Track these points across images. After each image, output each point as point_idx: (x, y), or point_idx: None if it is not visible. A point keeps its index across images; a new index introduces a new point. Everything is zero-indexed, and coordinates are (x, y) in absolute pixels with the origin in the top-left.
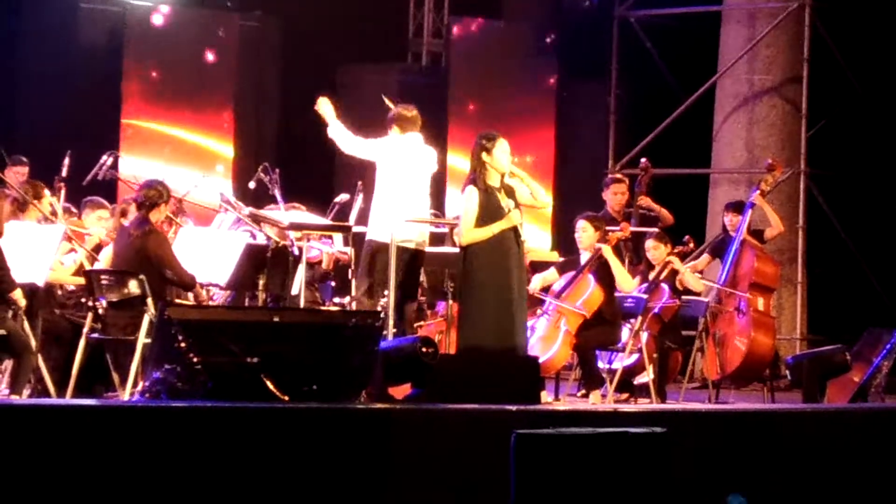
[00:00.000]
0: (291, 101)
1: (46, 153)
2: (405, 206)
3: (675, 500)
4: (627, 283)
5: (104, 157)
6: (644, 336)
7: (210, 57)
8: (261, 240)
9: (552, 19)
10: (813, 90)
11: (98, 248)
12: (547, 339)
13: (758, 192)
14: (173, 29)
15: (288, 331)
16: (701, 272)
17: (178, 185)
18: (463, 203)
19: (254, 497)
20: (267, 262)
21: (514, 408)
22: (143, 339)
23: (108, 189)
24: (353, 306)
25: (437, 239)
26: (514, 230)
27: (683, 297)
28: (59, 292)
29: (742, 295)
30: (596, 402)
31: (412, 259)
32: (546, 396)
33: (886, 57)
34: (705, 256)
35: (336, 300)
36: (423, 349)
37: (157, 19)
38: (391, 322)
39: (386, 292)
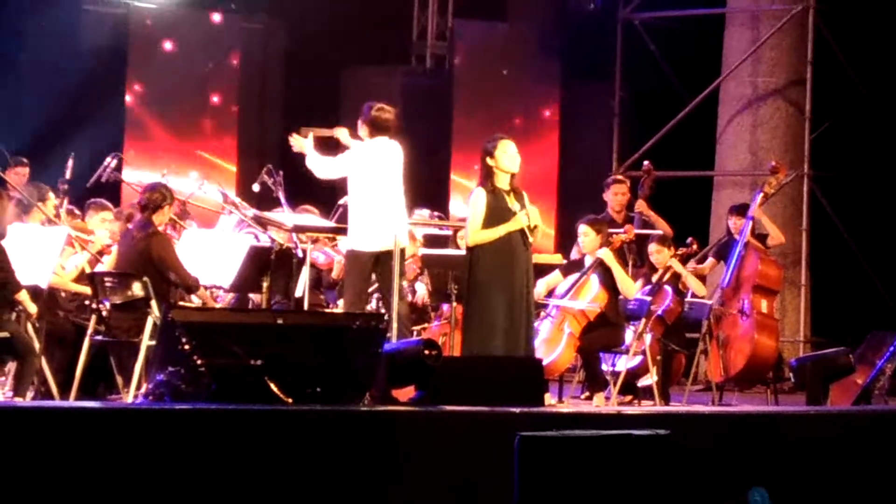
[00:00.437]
0: (295, 104)
1: (49, 155)
2: (380, 211)
3: (679, 502)
4: (629, 289)
5: (108, 159)
6: (647, 338)
7: (214, 60)
8: (264, 241)
9: (556, 22)
10: (817, 93)
11: (101, 254)
12: (550, 341)
13: (758, 202)
14: (177, 31)
15: (292, 333)
16: (704, 277)
17: (181, 188)
18: (470, 204)
19: (257, 499)
20: (271, 265)
21: (517, 410)
22: (146, 341)
23: (111, 191)
24: None
25: (440, 241)
26: (522, 232)
27: (687, 300)
28: (63, 294)
29: (745, 297)
30: (599, 404)
31: (388, 261)
32: (550, 399)
33: (890, 59)
34: (711, 260)
35: (340, 303)
36: (427, 351)
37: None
38: (394, 325)
39: (371, 299)
